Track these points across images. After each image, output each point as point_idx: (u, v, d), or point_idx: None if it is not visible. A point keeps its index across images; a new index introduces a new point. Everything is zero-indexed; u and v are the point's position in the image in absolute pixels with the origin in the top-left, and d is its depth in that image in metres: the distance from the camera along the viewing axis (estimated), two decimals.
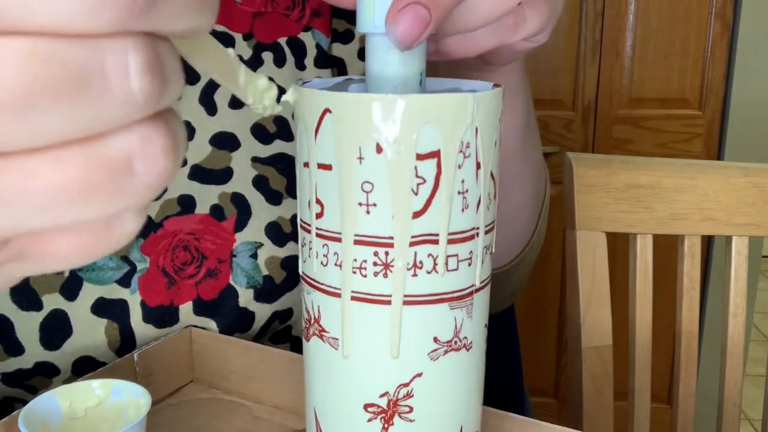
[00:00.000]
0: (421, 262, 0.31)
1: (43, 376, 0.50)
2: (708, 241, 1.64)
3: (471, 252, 0.32)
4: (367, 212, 0.30)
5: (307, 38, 0.58)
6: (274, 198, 0.54)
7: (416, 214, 0.30)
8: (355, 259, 0.31)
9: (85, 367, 0.50)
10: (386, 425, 0.33)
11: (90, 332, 0.50)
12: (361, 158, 0.29)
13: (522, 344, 0.89)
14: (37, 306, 0.49)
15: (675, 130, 1.63)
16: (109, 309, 0.50)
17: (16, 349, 0.49)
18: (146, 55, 0.17)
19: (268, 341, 0.56)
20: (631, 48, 1.60)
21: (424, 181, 0.29)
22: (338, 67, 0.60)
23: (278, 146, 0.55)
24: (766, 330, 2.52)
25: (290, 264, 0.54)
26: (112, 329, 0.50)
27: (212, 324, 0.52)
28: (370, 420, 0.33)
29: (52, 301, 0.49)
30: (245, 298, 0.52)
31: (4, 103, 0.16)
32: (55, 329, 0.49)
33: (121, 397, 0.41)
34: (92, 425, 0.40)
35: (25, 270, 0.19)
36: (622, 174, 0.75)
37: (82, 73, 0.16)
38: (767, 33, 1.53)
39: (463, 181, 0.30)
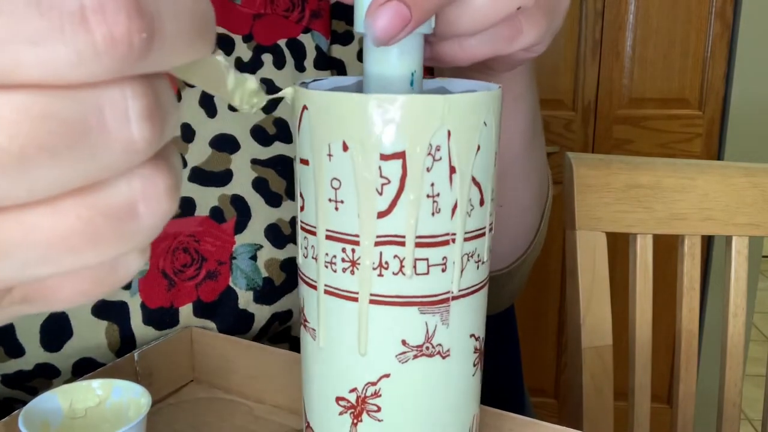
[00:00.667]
0: (387, 263, 0.31)
1: (44, 378, 0.50)
2: (708, 241, 1.64)
3: (445, 258, 0.31)
4: (336, 209, 0.31)
5: (307, 40, 0.58)
6: (273, 200, 0.54)
7: (381, 214, 0.30)
8: (327, 254, 0.32)
9: (86, 368, 0.50)
10: (355, 421, 0.33)
11: (90, 334, 0.50)
12: (330, 155, 0.30)
13: (522, 344, 0.89)
14: None
15: (675, 130, 1.63)
16: (110, 311, 0.50)
17: (16, 350, 0.49)
18: (146, 99, 0.17)
19: (267, 342, 0.56)
20: (631, 48, 1.60)
21: (389, 181, 0.29)
22: (338, 68, 0.60)
23: (278, 148, 0.55)
24: (766, 330, 2.52)
25: (290, 266, 0.54)
26: (113, 331, 0.50)
27: (212, 326, 0.52)
28: (341, 413, 0.34)
29: None
30: (245, 299, 0.52)
31: (0, 163, 0.15)
32: (56, 331, 0.49)
33: (122, 397, 0.41)
34: (93, 425, 0.40)
35: (29, 310, 0.19)
36: (622, 174, 0.75)
37: (81, 125, 0.16)
38: (767, 33, 1.53)
39: (432, 185, 0.30)
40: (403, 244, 0.30)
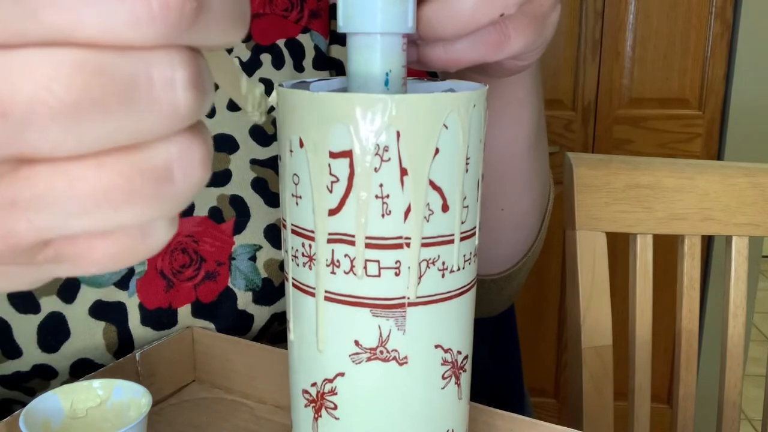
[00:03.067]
0: (338, 261, 0.31)
1: (41, 379, 0.50)
2: (708, 241, 1.64)
3: (398, 262, 0.30)
4: (297, 204, 0.31)
5: (306, 40, 0.58)
6: (272, 200, 0.54)
7: (332, 212, 0.30)
8: (292, 247, 0.32)
9: (83, 369, 0.50)
10: (316, 415, 0.34)
11: (88, 335, 0.50)
12: (291, 151, 0.31)
13: (522, 344, 0.89)
14: (35, 308, 0.49)
15: (675, 130, 1.63)
16: (107, 311, 0.50)
17: (14, 351, 0.49)
18: (191, 69, 0.18)
19: (266, 343, 0.56)
20: (631, 48, 1.60)
21: (338, 179, 0.29)
22: (336, 68, 0.60)
23: (277, 148, 0.55)
24: (766, 330, 2.52)
25: None
26: (110, 332, 0.50)
27: (211, 327, 0.52)
28: (306, 406, 0.34)
29: (50, 303, 0.49)
30: (244, 300, 0.52)
31: (54, 113, 0.16)
32: (53, 332, 0.49)
33: (123, 397, 0.41)
34: (93, 425, 0.40)
35: (60, 271, 0.20)
36: (622, 174, 0.75)
37: (131, 85, 0.17)
38: (767, 33, 1.53)
39: (381, 185, 0.29)
40: (353, 243, 0.30)
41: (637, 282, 0.76)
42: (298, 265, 0.32)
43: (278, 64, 0.57)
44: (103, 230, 0.18)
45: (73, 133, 0.17)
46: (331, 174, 0.29)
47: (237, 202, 0.53)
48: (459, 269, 0.32)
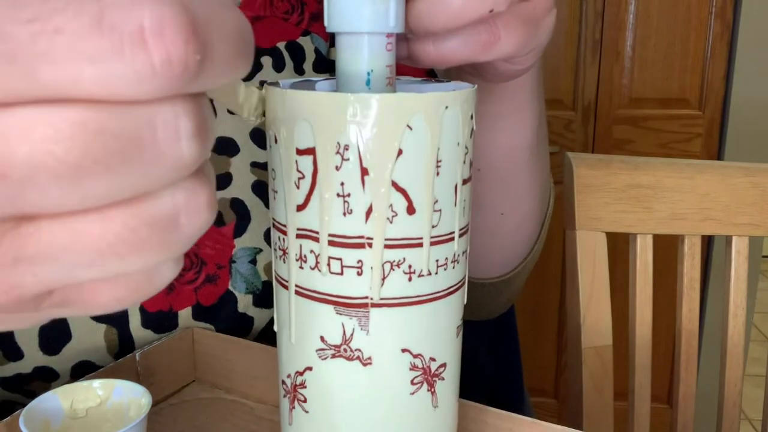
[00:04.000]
0: (305, 256, 0.31)
1: (43, 381, 0.50)
2: (708, 241, 1.64)
3: (360, 261, 0.30)
4: (274, 198, 0.32)
5: (306, 42, 0.58)
6: None
7: (299, 208, 0.30)
8: (274, 241, 0.33)
9: (84, 371, 0.50)
10: (291, 406, 0.34)
11: (89, 337, 0.50)
12: (270, 146, 0.31)
13: (522, 344, 0.89)
14: None
15: (675, 130, 1.63)
16: (109, 314, 0.50)
17: (15, 353, 0.49)
18: (195, 118, 0.17)
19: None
20: (631, 48, 1.60)
21: (304, 176, 0.30)
22: None
23: None
24: (766, 330, 2.52)
25: None
26: (111, 334, 0.50)
27: (211, 329, 0.52)
28: (284, 396, 0.35)
29: None
30: (244, 303, 0.52)
31: (55, 174, 0.16)
32: (55, 334, 0.49)
33: (123, 397, 0.41)
34: (93, 425, 0.40)
35: (64, 313, 0.20)
36: (622, 174, 0.75)
37: (134, 142, 0.16)
38: (767, 33, 1.53)
39: (342, 184, 0.29)
40: (317, 239, 0.30)
41: (637, 282, 0.76)
42: (277, 258, 0.33)
43: (279, 66, 0.57)
44: (109, 278, 0.18)
45: (75, 191, 0.16)
46: (298, 170, 0.30)
47: (238, 205, 0.53)
48: (430, 274, 0.31)
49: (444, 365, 0.33)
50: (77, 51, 0.15)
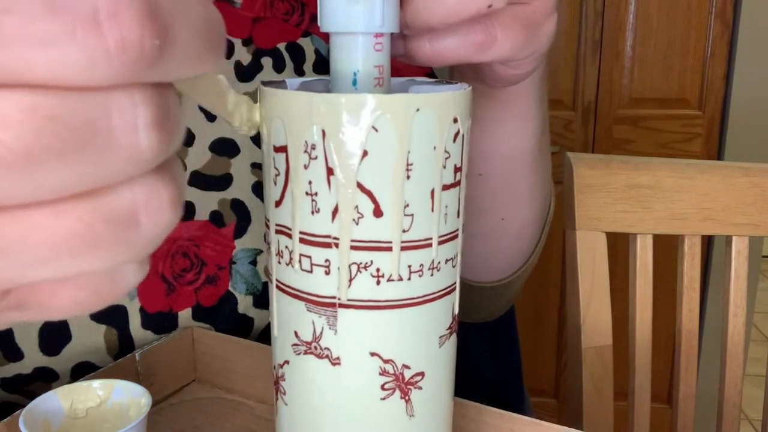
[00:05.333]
0: (281, 252, 0.31)
1: (43, 382, 0.50)
2: (708, 241, 1.64)
3: (327, 261, 0.30)
4: (264, 194, 0.33)
5: (306, 44, 0.58)
6: None
7: (276, 204, 0.31)
8: (264, 235, 0.34)
9: (85, 372, 0.50)
10: (277, 395, 0.35)
11: (89, 338, 0.50)
12: (261, 143, 0.32)
13: (522, 344, 0.89)
14: None
15: (675, 130, 1.63)
16: (108, 315, 0.50)
17: (15, 354, 0.49)
18: (155, 108, 0.16)
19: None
20: (631, 48, 1.60)
21: (279, 173, 0.30)
22: None
23: None
24: (766, 330, 2.52)
25: None
26: (111, 335, 0.50)
27: (211, 330, 0.53)
28: (274, 383, 0.35)
29: None
30: (244, 304, 0.52)
31: (5, 161, 0.15)
32: (55, 335, 0.49)
33: (123, 397, 0.41)
34: (93, 425, 0.40)
35: (24, 317, 0.19)
36: (622, 174, 0.75)
37: (88, 130, 0.15)
38: (767, 33, 1.53)
39: (310, 183, 0.29)
40: (290, 236, 0.31)
41: (637, 282, 0.76)
42: (266, 252, 0.34)
43: (279, 67, 0.57)
44: (66, 278, 0.17)
45: (25, 182, 0.15)
46: (275, 167, 0.30)
47: (238, 206, 0.53)
48: (401, 279, 0.30)
49: (422, 374, 0.32)
50: (27, 33, 0.14)
